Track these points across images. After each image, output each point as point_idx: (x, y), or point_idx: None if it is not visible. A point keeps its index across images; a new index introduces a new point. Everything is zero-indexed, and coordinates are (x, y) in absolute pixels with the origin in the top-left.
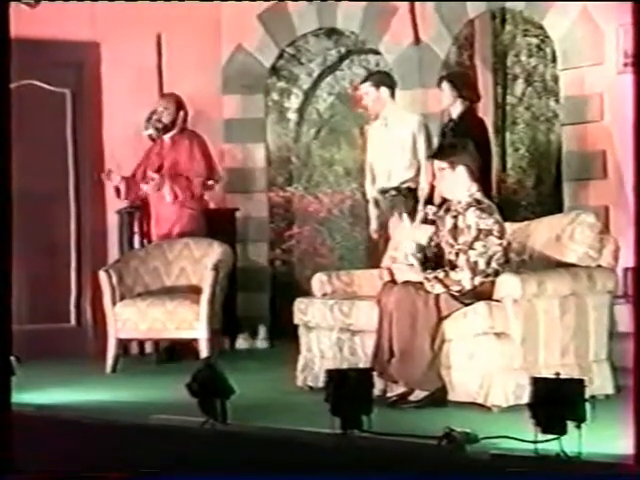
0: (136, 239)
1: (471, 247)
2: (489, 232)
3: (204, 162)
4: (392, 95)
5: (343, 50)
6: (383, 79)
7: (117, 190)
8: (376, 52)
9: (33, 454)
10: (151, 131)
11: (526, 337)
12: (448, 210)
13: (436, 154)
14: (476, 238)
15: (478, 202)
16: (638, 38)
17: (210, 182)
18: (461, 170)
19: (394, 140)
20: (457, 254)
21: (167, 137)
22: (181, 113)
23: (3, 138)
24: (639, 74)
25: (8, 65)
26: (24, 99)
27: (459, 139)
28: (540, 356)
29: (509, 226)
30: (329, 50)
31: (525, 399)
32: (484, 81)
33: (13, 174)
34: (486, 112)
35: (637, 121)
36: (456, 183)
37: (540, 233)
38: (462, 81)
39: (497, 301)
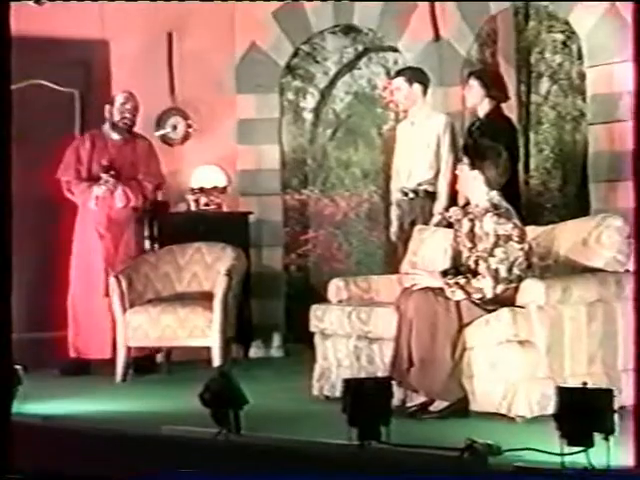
0: (146, 243)
1: (491, 254)
2: (508, 237)
3: (158, 167)
4: (424, 92)
5: (360, 48)
6: (417, 75)
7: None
8: (395, 50)
9: (42, 465)
10: (115, 134)
11: (551, 345)
12: (467, 213)
13: (462, 150)
14: (495, 244)
15: (495, 207)
16: (638, 38)
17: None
18: (479, 174)
19: (419, 139)
20: (477, 261)
21: (117, 137)
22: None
23: (3, 139)
24: (639, 73)
25: (9, 65)
26: (32, 99)
27: (490, 144)
28: (566, 365)
29: (533, 229)
30: (346, 48)
31: (550, 410)
32: (507, 79)
33: (19, 176)
34: (510, 111)
35: (637, 120)
36: (475, 184)
37: (565, 237)
38: (491, 79)
39: (521, 307)
